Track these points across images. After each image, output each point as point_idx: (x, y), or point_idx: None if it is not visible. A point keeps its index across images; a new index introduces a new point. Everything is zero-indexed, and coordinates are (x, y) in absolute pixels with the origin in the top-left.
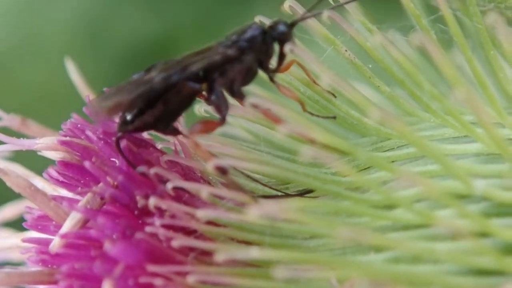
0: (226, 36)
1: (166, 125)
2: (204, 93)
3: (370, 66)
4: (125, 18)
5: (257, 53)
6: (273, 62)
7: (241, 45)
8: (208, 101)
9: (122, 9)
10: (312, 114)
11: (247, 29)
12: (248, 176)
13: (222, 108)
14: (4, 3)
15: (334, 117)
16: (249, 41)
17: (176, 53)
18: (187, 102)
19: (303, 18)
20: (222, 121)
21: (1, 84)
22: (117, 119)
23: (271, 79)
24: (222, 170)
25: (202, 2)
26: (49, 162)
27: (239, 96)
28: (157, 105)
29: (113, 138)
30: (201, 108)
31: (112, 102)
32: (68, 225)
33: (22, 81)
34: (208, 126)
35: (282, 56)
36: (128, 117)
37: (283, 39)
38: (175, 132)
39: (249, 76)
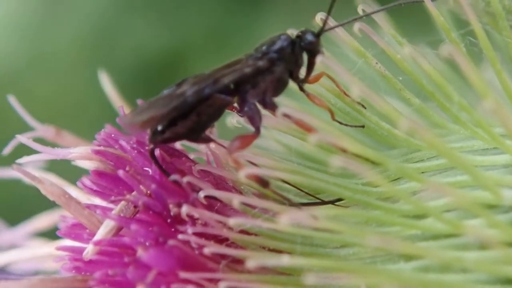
0: (255, 48)
1: (197, 135)
2: (236, 105)
3: (401, 78)
4: (134, 31)
5: (287, 63)
6: (302, 72)
7: (271, 57)
8: (240, 112)
9: (132, 21)
10: (341, 123)
11: (276, 40)
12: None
13: (256, 119)
14: (12, 18)
15: (363, 126)
16: (278, 52)
17: (186, 65)
18: (218, 113)
19: (329, 28)
20: (257, 132)
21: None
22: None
23: (301, 89)
24: (263, 183)
25: (211, 14)
26: (82, 173)
27: (271, 107)
28: (190, 117)
29: (147, 148)
30: (233, 119)
31: (146, 116)
32: (101, 233)
33: (35, 96)
34: (245, 141)
35: (311, 66)
36: (160, 127)
37: (311, 48)
38: (207, 140)
39: (280, 87)
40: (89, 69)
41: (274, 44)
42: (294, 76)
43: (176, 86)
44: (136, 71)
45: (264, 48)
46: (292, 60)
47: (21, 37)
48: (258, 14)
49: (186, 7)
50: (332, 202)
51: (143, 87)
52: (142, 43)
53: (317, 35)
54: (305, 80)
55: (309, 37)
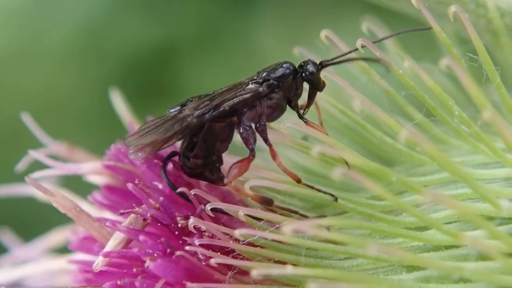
0: (257, 72)
1: (213, 161)
2: None
3: (403, 93)
4: (126, 25)
5: (286, 91)
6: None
7: (272, 83)
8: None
9: (123, 16)
10: None
11: (279, 67)
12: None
13: (250, 141)
14: (5, 10)
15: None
16: (279, 79)
17: (177, 58)
18: (225, 133)
19: (335, 63)
20: (252, 155)
21: (1, 91)
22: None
23: (300, 116)
24: (267, 201)
25: (202, 9)
26: (92, 189)
27: (262, 132)
28: (198, 145)
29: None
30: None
31: (148, 140)
32: (111, 245)
33: (22, 88)
34: (242, 167)
35: (311, 96)
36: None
37: (312, 79)
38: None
39: (276, 113)
40: (79, 63)
41: (276, 71)
42: (292, 104)
43: (181, 106)
44: (127, 64)
45: (265, 74)
46: (292, 88)
47: (11, 31)
48: (249, 9)
49: (178, 2)
50: None
51: (134, 81)
52: (133, 37)
53: (319, 66)
54: (305, 110)
55: (311, 68)
